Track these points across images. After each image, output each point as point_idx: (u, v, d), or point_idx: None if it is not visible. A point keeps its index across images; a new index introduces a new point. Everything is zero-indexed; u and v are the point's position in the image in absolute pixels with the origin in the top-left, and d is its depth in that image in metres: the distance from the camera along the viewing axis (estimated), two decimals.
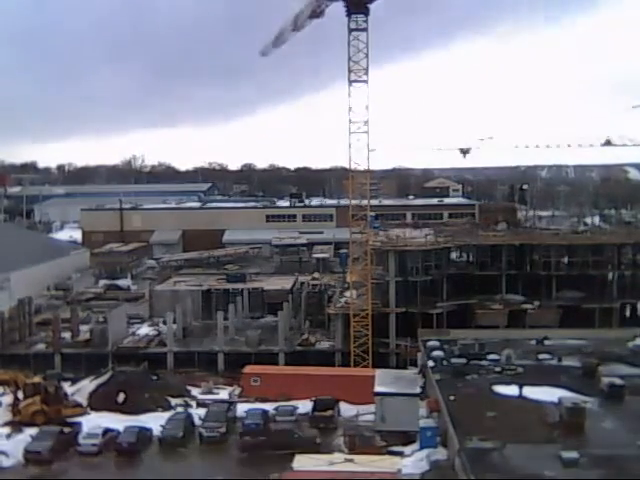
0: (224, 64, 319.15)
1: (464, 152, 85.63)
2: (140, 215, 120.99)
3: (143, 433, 43.61)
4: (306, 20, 57.63)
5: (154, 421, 45.61)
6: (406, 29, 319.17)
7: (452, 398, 44.37)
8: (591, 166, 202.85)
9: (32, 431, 43.68)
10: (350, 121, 55.80)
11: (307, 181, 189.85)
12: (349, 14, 55.02)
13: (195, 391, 53.27)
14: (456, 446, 37.25)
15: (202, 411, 47.45)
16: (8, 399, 49.24)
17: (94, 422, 45.42)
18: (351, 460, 37.09)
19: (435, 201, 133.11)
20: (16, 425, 45.81)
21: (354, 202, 58.82)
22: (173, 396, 51.39)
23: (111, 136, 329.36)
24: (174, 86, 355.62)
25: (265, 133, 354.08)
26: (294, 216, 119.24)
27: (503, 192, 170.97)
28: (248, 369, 53.21)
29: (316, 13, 56.48)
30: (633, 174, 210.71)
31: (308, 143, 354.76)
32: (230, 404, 48.18)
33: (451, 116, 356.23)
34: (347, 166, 57.50)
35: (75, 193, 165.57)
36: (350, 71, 55.50)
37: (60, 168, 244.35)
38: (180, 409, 49.06)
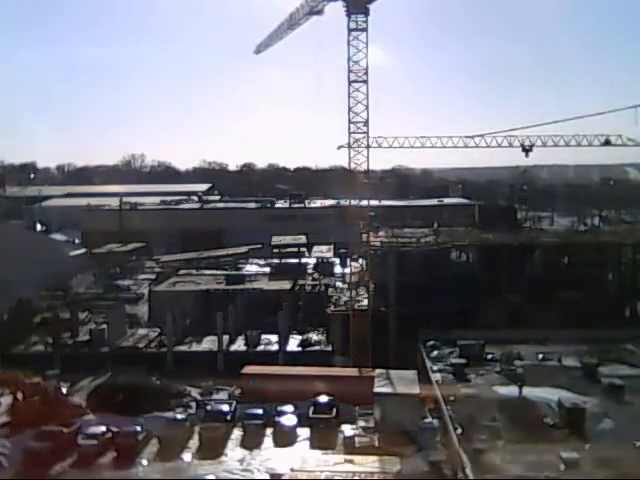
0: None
1: (526, 150, 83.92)
2: (140, 215, 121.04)
3: (142, 434, 43.57)
4: (303, 17, 57.53)
5: (153, 422, 45.54)
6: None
7: (452, 398, 44.41)
8: (591, 166, 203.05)
9: (31, 432, 43.58)
10: (349, 121, 55.68)
11: (307, 181, 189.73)
12: (349, 14, 54.91)
13: (194, 392, 53.22)
14: (456, 446, 37.22)
15: (201, 412, 47.40)
16: (7, 400, 49.17)
17: (93, 423, 45.38)
18: (351, 461, 37.10)
19: (435, 201, 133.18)
20: (15, 426, 45.72)
21: (354, 202, 58.78)
22: (172, 397, 51.35)
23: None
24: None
25: (265, 133, 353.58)
26: (294, 216, 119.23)
27: (503, 192, 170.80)
28: (247, 369, 53.12)
29: (315, 10, 56.41)
30: (633, 174, 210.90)
31: (308, 143, 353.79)
32: (229, 405, 48.11)
33: (447, 115, 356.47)
34: (347, 166, 57.41)
35: (75, 193, 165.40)
36: (350, 71, 55.39)
37: (60, 168, 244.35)
38: (179, 410, 49.02)
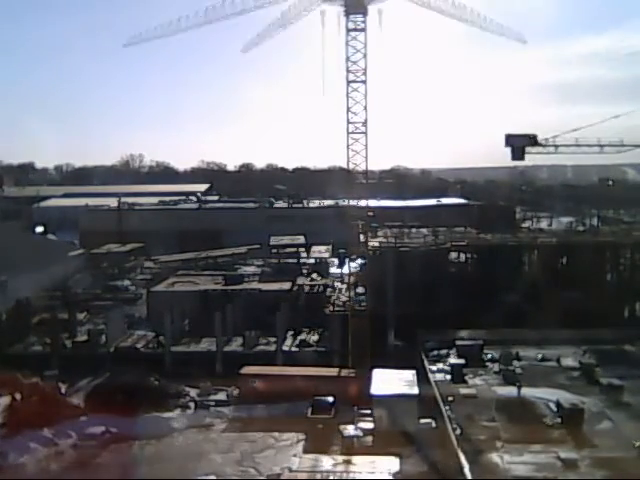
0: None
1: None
2: (138, 215, 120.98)
3: (141, 434, 43.52)
4: (297, 15, 57.29)
5: (152, 422, 45.51)
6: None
7: (451, 399, 44.37)
8: (589, 166, 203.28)
9: (30, 432, 43.53)
10: (348, 121, 55.53)
11: (305, 181, 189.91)
12: (347, 14, 54.78)
13: (193, 392, 53.17)
14: (454, 447, 37.19)
15: (200, 412, 47.36)
16: (5, 400, 49.06)
17: (92, 423, 45.34)
18: (349, 461, 37.07)
19: (434, 201, 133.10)
20: (14, 427, 45.63)
21: (352, 203, 58.68)
22: (171, 397, 51.29)
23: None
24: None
25: (263, 133, 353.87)
26: (292, 217, 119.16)
27: (502, 193, 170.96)
28: (246, 370, 53.10)
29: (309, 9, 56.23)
30: (631, 174, 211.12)
31: (306, 143, 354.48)
32: (228, 405, 48.08)
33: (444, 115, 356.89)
34: (345, 166, 57.30)
35: (73, 193, 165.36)
36: (348, 71, 55.27)
37: (58, 168, 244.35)
38: (178, 410, 48.96)
